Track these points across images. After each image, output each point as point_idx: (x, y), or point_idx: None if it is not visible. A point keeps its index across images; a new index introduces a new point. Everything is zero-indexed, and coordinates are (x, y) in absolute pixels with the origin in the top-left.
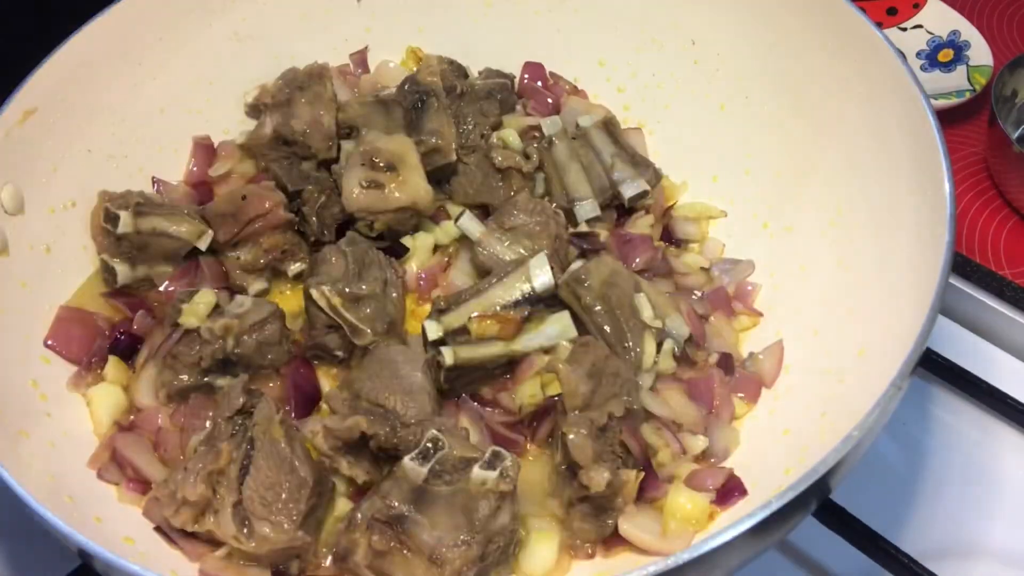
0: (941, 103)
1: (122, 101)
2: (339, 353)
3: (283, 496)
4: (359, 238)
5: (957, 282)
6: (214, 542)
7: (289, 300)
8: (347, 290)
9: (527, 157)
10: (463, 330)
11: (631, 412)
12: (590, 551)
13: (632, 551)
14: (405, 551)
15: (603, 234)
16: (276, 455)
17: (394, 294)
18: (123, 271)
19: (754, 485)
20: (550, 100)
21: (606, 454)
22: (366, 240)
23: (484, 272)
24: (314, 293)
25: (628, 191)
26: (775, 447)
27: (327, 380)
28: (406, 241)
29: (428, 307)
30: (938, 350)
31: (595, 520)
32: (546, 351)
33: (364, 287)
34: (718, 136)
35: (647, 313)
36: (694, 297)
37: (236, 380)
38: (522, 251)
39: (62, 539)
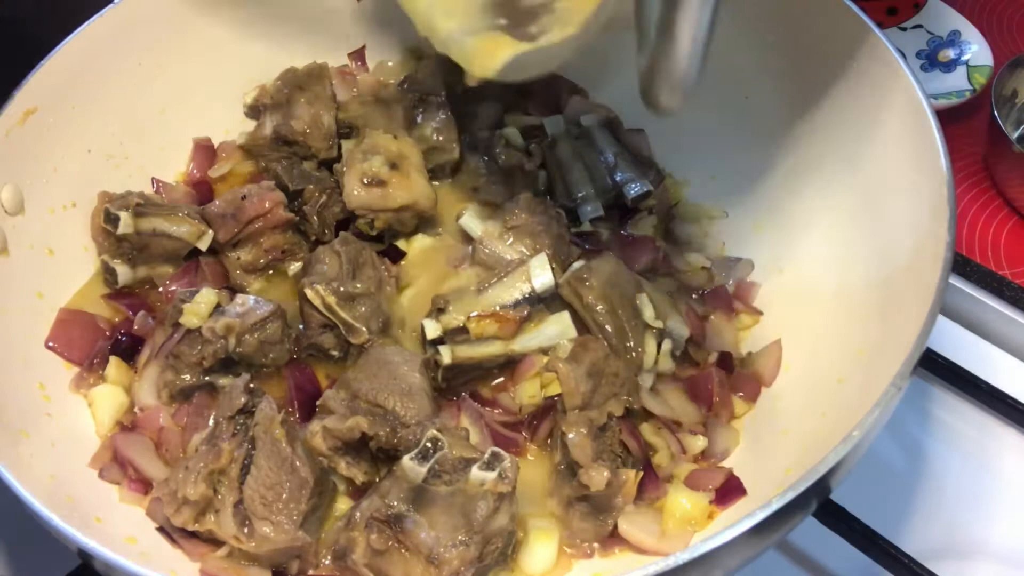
0: (941, 103)
1: (122, 101)
2: (335, 353)
3: (284, 496)
4: (352, 238)
5: (957, 282)
6: (215, 542)
7: (290, 300)
8: (341, 289)
9: (530, 155)
10: (462, 329)
11: (631, 412)
12: (589, 550)
13: (631, 551)
14: (403, 550)
15: (605, 234)
16: (277, 455)
17: (388, 293)
18: (124, 272)
19: (754, 485)
20: (551, 100)
21: (605, 453)
22: (359, 240)
23: (485, 270)
24: (308, 292)
25: (632, 191)
26: (775, 447)
27: (322, 380)
28: (402, 245)
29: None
30: (938, 350)
31: (594, 519)
32: (545, 351)
33: (358, 286)
34: (718, 136)
35: (648, 313)
36: (694, 296)
37: (238, 379)
38: (523, 250)
39: (62, 539)
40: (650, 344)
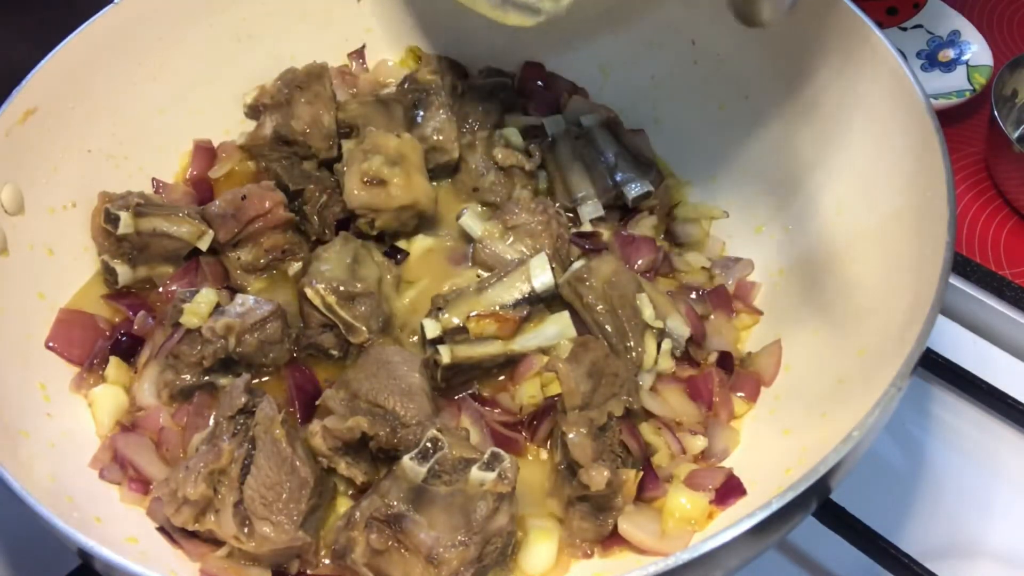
0: (941, 103)
1: (122, 101)
2: (335, 352)
3: (284, 496)
4: (352, 237)
5: (957, 282)
6: (215, 542)
7: (290, 300)
8: (341, 288)
9: (529, 155)
10: (462, 329)
11: (631, 412)
12: (589, 551)
13: (631, 551)
14: (403, 550)
15: (605, 234)
16: (277, 455)
17: (388, 293)
18: (124, 272)
19: (754, 485)
20: (551, 100)
21: (605, 453)
22: (359, 239)
23: (485, 270)
24: (308, 291)
25: (632, 192)
26: (775, 447)
27: (322, 380)
28: (402, 245)
29: None
30: (938, 350)
31: (594, 519)
32: (544, 351)
33: (359, 285)
34: (718, 136)
35: (648, 313)
36: (694, 296)
37: (238, 379)
38: (523, 250)
39: (62, 539)
40: (650, 344)
